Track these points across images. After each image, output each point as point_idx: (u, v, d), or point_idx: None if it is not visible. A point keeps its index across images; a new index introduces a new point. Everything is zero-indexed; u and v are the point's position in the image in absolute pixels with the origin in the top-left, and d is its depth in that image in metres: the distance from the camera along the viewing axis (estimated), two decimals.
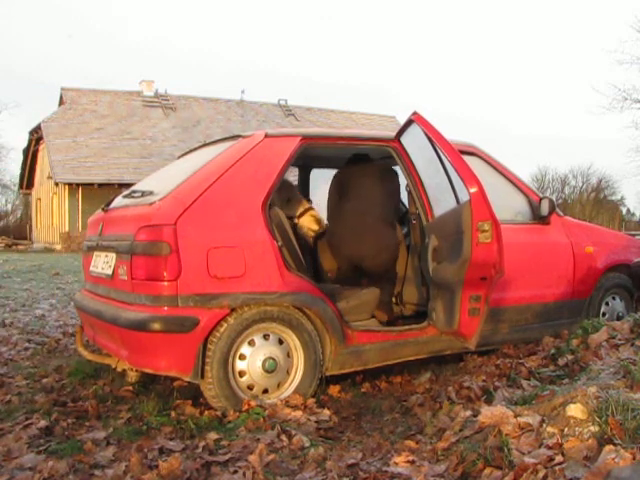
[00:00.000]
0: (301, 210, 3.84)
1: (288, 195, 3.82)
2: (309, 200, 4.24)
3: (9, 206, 44.28)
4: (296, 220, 3.81)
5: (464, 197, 3.14)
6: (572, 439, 2.04)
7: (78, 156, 23.63)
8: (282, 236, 3.31)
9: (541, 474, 1.89)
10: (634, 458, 1.81)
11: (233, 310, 3.02)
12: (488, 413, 2.33)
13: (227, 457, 2.43)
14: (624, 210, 50.66)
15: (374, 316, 3.81)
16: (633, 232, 15.93)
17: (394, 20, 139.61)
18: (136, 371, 3.33)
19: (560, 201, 42.50)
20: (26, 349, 4.61)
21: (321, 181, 4.70)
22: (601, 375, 2.76)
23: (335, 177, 4.21)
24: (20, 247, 25.76)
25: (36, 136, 26.63)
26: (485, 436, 2.26)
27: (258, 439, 2.55)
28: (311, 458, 2.42)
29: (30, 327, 5.50)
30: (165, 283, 2.90)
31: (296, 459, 2.44)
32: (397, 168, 3.84)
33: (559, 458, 1.96)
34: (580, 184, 47.37)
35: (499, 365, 3.52)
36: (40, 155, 27.75)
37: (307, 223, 3.80)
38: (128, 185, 4.64)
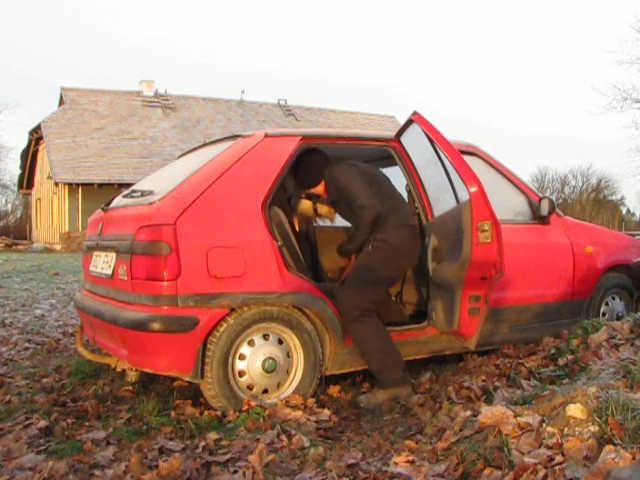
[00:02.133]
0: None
1: None
2: None
3: (9, 206, 44.38)
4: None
5: (464, 197, 3.14)
6: (572, 439, 2.04)
7: (78, 156, 23.62)
8: (282, 236, 3.31)
9: (541, 474, 1.89)
10: (634, 458, 1.81)
11: (233, 310, 3.02)
12: (488, 413, 2.33)
13: (227, 457, 2.43)
14: (624, 210, 50.69)
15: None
16: (633, 232, 15.92)
17: (395, 20, 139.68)
18: (136, 371, 3.32)
19: (560, 201, 42.50)
20: (26, 349, 4.61)
21: None
22: (601, 375, 2.76)
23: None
24: (20, 247, 25.74)
25: (36, 136, 26.63)
26: (485, 436, 2.26)
27: (258, 439, 2.55)
28: (311, 458, 2.42)
29: (30, 327, 5.50)
30: (165, 283, 2.90)
31: (296, 459, 2.44)
32: (397, 168, 3.83)
33: (559, 458, 1.96)
34: (580, 184, 47.41)
35: (499, 365, 3.52)
36: (40, 155, 27.75)
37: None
38: (128, 185, 4.64)
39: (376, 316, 3.31)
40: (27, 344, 4.77)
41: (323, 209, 3.74)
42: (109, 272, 3.25)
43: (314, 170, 3.54)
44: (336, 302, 3.28)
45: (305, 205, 3.77)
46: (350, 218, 3.59)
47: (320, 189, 3.61)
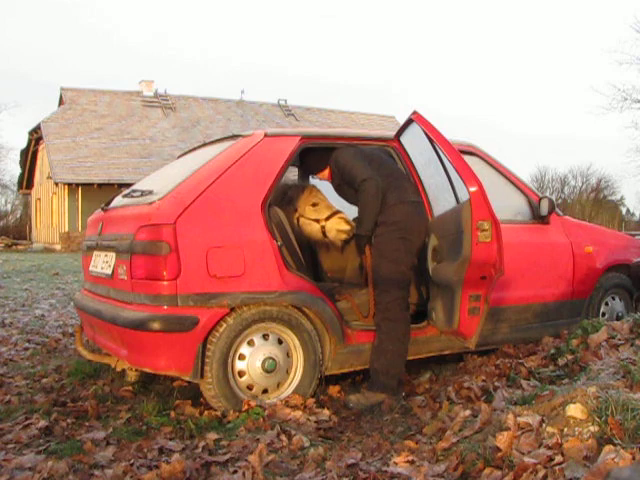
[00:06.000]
0: (329, 213, 3.68)
1: (314, 200, 3.75)
2: None
3: (9, 206, 44.32)
4: (323, 223, 3.74)
5: (464, 196, 3.14)
6: (572, 439, 2.03)
7: (78, 156, 23.63)
8: (282, 236, 3.31)
9: (541, 474, 1.89)
10: (634, 458, 1.81)
11: (232, 310, 3.02)
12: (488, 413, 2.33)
13: (227, 457, 2.43)
14: (624, 210, 50.72)
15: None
16: (633, 232, 15.92)
17: (395, 20, 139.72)
18: (136, 371, 3.33)
19: (560, 201, 42.53)
20: (26, 349, 4.61)
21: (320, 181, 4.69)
22: (601, 375, 2.75)
23: None
24: (20, 247, 25.74)
25: (36, 136, 26.62)
26: (485, 436, 2.26)
27: (258, 439, 2.55)
28: (311, 458, 2.42)
29: (30, 327, 5.51)
30: (165, 282, 2.90)
31: (296, 459, 2.44)
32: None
33: (559, 458, 1.96)
34: (580, 184, 47.47)
35: (499, 365, 3.52)
36: (40, 155, 27.74)
37: (336, 225, 3.65)
38: (128, 185, 4.64)
39: (409, 322, 3.35)
40: (27, 344, 4.77)
41: (331, 233, 3.67)
42: (109, 272, 3.25)
43: (319, 156, 3.61)
44: (377, 302, 3.33)
45: (314, 228, 3.71)
46: (355, 199, 3.54)
47: (325, 174, 3.66)
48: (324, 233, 3.70)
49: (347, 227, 3.64)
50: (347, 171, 3.40)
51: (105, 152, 24.31)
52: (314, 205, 3.71)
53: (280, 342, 3.16)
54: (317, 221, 3.68)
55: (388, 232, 3.34)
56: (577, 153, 76.59)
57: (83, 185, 22.98)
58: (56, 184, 23.56)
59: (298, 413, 2.88)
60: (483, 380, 3.28)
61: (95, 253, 3.54)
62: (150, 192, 3.23)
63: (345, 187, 3.53)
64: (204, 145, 3.90)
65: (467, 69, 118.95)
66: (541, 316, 4.04)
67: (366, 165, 3.37)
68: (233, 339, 3.02)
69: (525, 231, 4.06)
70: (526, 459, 1.98)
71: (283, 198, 3.66)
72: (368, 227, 3.37)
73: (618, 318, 4.31)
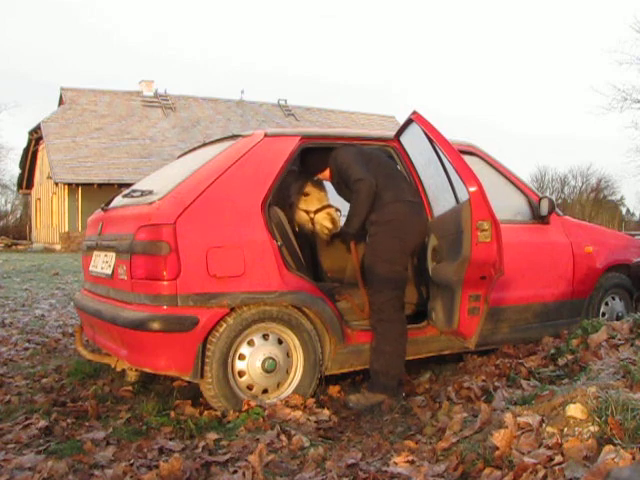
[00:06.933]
0: (318, 206, 3.72)
1: (306, 189, 3.76)
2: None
3: (9, 206, 44.30)
4: (312, 215, 3.77)
5: (463, 196, 3.14)
6: (572, 439, 2.03)
7: (78, 156, 23.62)
8: (282, 236, 3.31)
9: (541, 474, 1.89)
10: (634, 458, 1.81)
11: (232, 310, 3.02)
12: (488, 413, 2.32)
13: (227, 457, 2.43)
14: (624, 210, 50.74)
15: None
16: (633, 232, 15.91)
17: (395, 20, 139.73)
18: (136, 371, 3.33)
19: (560, 201, 42.54)
20: (26, 349, 4.61)
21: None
22: (601, 375, 2.75)
23: None
24: (20, 247, 25.74)
25: (36, 136, 26.62)
26: (485, 436, 2.26)
27: (258, 439, 2.55)
28: (311, 458, 2.42)
29: (30, 327, 5.51)
30: (164, 282, 2.91)
31: (296, 459, 2.44)
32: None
33: (559, 458, 1.96)
34: (580, 184, 47.50)
35: (499, 365, 3.52)
36: (40, 155, 27.74)
37: (321, 220, 3.71)
38: (128, 185, 4.64)
39: (405, 322, 3.34)
40: (27, 344, 4.77)
41: (317, 226, 3.71)
42: (109, 272, 3.25)
43: (320, 156, 3.60)
44: (371, 302, 3.33)
45: (302, 217, 3.74)
46: (350, 198, 3.54)
47: (326, 174, 3.66)
48: (313, 224, 3.75)
49: (330, 225, 3.69)
50: (344, 170, 3.40)
51: (105, 152, 24.30)
52: (305, 195, 3.73)
53: (280, 342, 3.16)
54: (306, 212, 3.71)
55: (382, 231, 3.33)
56: (577, 153, 76.74)
57: (83, 185, 22.98)
58: (56, 184, 23.56)
59: (298, 413, 2.88)
60: (483, 380, 3.28)
61: (95, 253, 3.54)
62: (150, 192, 3.23)
63: (343, 186, 3.54)
64: (204, 145, 3.90)
65: (467, 69, 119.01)
66: (541, 316, 4.05)
67: (362, 165, 3.36)
68: (233, 339, 3.02)
69: (525, 231, 4.06)
70: (526, 459, 1.98)
71: (280, 186, 3.65)
72: (355, 226, 3.39)
73: (618, 318, 4.31)
